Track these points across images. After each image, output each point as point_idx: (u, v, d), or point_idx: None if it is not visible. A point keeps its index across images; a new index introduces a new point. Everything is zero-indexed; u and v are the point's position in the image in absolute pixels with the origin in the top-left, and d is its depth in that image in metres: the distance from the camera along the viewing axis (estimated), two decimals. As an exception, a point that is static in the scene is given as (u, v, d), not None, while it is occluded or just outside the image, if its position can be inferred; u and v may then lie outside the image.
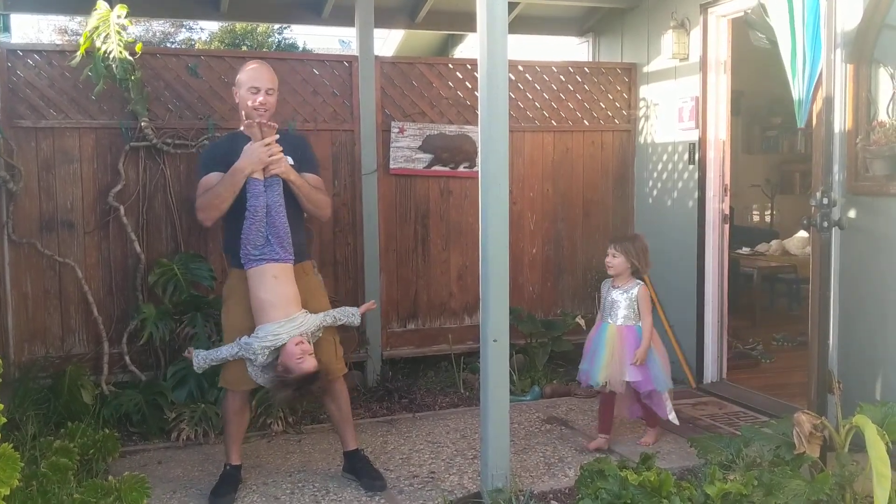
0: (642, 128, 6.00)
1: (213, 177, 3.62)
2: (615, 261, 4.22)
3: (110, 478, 3.28)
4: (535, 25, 6.50)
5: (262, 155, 3.54)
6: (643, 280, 4.31)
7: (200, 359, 3.64)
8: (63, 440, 3.64)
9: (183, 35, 15.90)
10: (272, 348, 3.47)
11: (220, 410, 4.05)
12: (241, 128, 3.70)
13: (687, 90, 5.47)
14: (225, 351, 3.60)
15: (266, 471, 4.00)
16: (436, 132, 5.52)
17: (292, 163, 3.69)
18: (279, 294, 3.51)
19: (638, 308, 4.19)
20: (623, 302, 4.20)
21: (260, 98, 3.64)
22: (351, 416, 3.92)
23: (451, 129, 5.56)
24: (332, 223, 5.28)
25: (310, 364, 3.46)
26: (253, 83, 3.66)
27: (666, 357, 4.29)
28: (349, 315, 3.76)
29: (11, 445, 2.56)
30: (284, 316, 3.49)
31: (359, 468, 3.86)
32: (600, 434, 4.31)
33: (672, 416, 4.28)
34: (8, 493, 2.48)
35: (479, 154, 3.55)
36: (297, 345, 3.46)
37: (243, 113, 3.68)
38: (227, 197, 3.55)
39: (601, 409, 4.35)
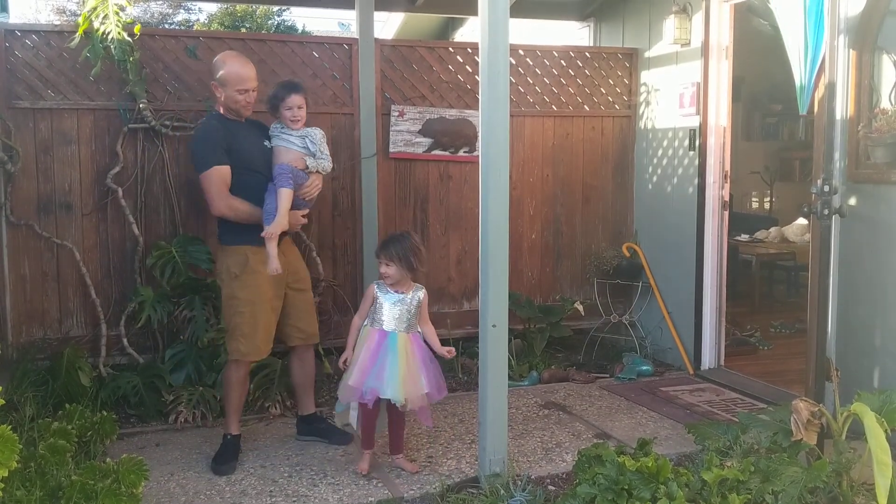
0: (643, 113, 5.98)
1: (226, 169, 3.83)
2: (390, 269, 3.76)
3: (108, 460, 3.29)
4: (537, 9, 6.46)
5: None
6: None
7: None
8: (61, 422, 3.63)
9: (181, 17, 15.81)
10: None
11: (223, 380, 4.08)
12: (220, 110, 3.97)
13: (688, 76, 5.44)
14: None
15: (264, 454, 4.01)
16: (436, 116, 5.50)
17: (270, 146, 4.00)
18: None
19: (420, 313, 3.84)
20: (410, 308, 3.79)
21: (249, 99, 3.93)
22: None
23: (451, 114, 5.53)
24: (331, 207, 5.28)
25: None
26: (241, 85, 3.89)
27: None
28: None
29: (9, 427, 2.56)
30: None
31: (323, 429, 4.20)
32: (364, 450, 3.80)
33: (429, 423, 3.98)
34: (6, 474, 2.49)
35: (480, 139, 3.54)
36: None
37: (224, 100, 3.91)
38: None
39: (366, 423, 3.79)
